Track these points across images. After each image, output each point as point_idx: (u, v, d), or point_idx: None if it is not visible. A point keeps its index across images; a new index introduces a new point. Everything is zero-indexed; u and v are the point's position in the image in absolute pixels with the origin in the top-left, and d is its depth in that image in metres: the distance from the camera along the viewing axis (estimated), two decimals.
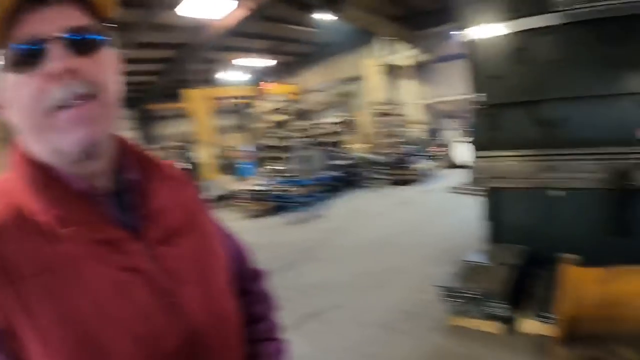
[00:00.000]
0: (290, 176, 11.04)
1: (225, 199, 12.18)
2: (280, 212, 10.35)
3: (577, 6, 4.21)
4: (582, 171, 4.54)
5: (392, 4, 15.75)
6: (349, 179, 12.97)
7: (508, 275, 4.26)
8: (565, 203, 4.70)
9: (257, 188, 11.08)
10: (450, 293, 4.27)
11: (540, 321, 3.82)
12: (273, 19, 14.81)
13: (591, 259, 3.46)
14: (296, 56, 21.87)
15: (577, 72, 4.47)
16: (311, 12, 13.34)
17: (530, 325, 3.91)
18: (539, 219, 4.91)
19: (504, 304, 4.00)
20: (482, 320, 4.10)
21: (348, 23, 15.14)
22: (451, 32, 15.06)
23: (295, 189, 10.43)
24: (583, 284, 3.23)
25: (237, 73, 20.98)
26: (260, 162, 18.79)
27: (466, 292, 4.17)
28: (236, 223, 9.55)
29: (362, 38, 18.19)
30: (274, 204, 10.46)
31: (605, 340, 3.12)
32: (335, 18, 13.92)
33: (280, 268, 6.17)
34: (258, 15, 12.36)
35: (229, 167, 18.29)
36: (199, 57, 16.54)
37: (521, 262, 4.55)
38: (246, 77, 21.57)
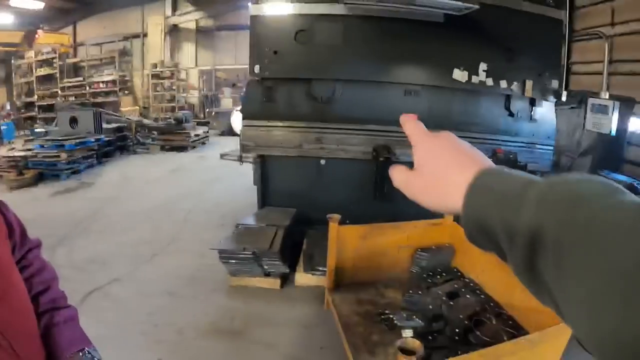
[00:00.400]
0: (56, 139, 9.54)
1: None
2: (46, 180, 8.90)
3: (361, 2, 4.82)
4: (348, 144, 5.26)
5: None
6: (121, 143, 11.88)
7: (280, 236, 4.64)
8: (332, 170, 5.38)
9: (17, 154, 9.30)
10: (228, 255, 4.41)
11: (312, 274, 4.34)
12: None
13: (354, 219, 4.06)
14: (74, 2, 18.65)
15: (352, 58, 5.13)
16: None
17: (303, 278, 4.39)
18: (307, 185, 5.47)
19: (278, 261, 4.36)
20: (260, 278, 4.41)
21: None
22: (240, 2, 15.16)
23: (61, 154, 9.08)
24: (347, 240, 3.78)
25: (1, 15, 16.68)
26: (22, 122, 16.17)
27: (243, 254, 4.37)
28: None
29: None
30: (37, 172, 8.92)
31: (369, 284, 3.76)
32: None
33: (51, 244, 5.37)
34: None
35: None
36: None
37: (291, 223, 5.02)
38: (11, 20, 17.29)
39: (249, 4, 5.34)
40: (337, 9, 4.98)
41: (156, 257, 5.23)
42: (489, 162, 0.61)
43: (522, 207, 0.48)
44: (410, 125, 0.74)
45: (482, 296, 3.46)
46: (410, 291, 3.49)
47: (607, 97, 5.61)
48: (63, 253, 5.28)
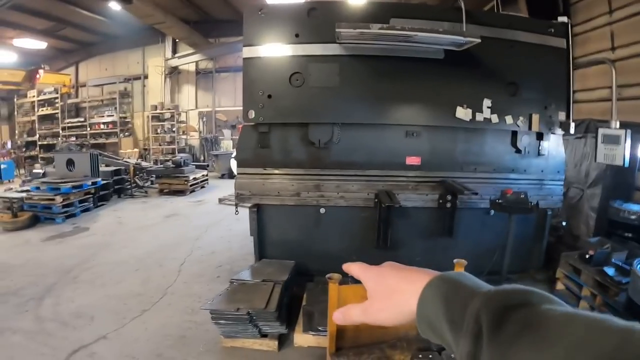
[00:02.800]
0: (52, 182, 9.25)
1: None
2: (41, 223, 8.69)
3: (356, 41, 4.61)
4: (348, 191, 4.96)
5: (186, 6, 15.13)
6: (117, 186, 11.63)
7: (277, 292, 4.25)
8: (332, 219, 5.06)
9: (13, 195, 8.99)
10: (220, 316, 4.00)
11: (312, 334, 3.95)
12: None
13: None
14: (76, 43, 19.03)
15: (350, 101, 4.87)
16: None
17: (302, 339, 3.99)
18: (306, 235, 5.14)
19: (275, 322, 3.97)
20: (255, 339, 4.00)
21: (137, 18, 14.01)
22: (238, 44, 15.26)
23: (57, 197, 8.76)
24: (349, 300, 3.42)
25: (3, 53, 16.90)
26: (22, 161, 16.01)
27: (236, 314, 3.95)
28: None
29: (149, 36, 17.16)
30: (32, 215, 8.64)
31: (373, 346, 3.40)
32: (125, 10, 12.77)
33: (36, 294, 5.10)
34: None
35: None
36: None
37: (289, 277, 4.61)
38: (14, 59, 17.41)
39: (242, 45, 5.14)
40: (333, 49, 4.76)
41: (146, 312, 4.83)
42: (437, 273, 0.67)
43: (465, 314, 0.57)
44: (353, 267, 0.83)
45: None
46: (420, 354, 3.18)
47: (617, 126, 5.27)
48: (50, 305, 4.91)
